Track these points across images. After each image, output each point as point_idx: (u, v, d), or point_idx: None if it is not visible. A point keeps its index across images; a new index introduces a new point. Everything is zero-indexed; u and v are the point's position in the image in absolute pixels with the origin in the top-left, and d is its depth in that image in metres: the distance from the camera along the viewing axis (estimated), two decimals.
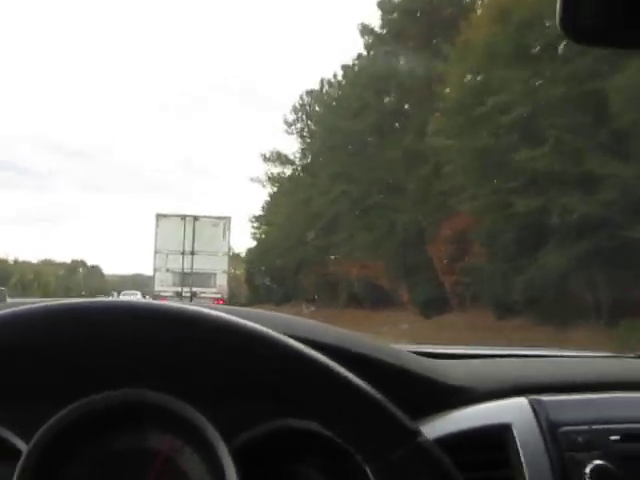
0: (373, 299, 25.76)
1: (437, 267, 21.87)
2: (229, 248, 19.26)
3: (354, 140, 27.49)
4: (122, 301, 0.59)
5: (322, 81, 35.38)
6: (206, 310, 0.58)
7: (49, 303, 0.57)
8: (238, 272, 50.00)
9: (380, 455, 0.57)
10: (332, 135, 29.10)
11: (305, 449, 0.73)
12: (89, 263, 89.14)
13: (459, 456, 0.63)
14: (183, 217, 18.31)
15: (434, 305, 21.62)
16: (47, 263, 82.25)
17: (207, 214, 19.11)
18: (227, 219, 18.70)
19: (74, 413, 0.68)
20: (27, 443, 0.66)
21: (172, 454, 0.71)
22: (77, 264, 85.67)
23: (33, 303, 0.58)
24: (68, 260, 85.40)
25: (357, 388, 0.57)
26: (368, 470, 0.60)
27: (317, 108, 36.41)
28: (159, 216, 18.46)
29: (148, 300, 0.61)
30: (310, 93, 37.11)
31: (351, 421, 0.57)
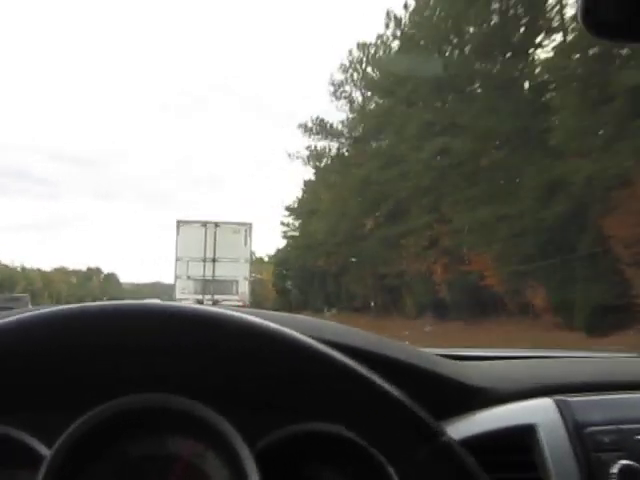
0: (470, 306, 18.22)
1: (619, 254, 13.74)
2: (251, 255, 19.24)
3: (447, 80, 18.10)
4: (145, 303, 0.59)
5: (388, 17, 27.51)
6: (229, 312, 0.58)
7: (71, 307, 0.57)
8: (261, 276, 47.40)
9: (404, 456, 0.57)
10: (406, 81, 20.70)
11: (328, 452, 0.73)
12: (105, 271, 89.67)
13: (485, 457, 0.64)
14: (204, 224, 18.32)
15: (608, 316, 13.43)
16: (60, 271, 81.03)
17: (228, 220, 19.18)
18: (248, 225, 18.72)
19: (96, 418, 0.68)
20: (49, 449, 0.67)
21: (194, 459, 0.71)
22: (92, 272, 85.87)
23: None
24: (83, 268, 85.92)
25: (380, 389, 0.57)
26: (392, 471, 0.60)
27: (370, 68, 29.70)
28: (180, 223, 18.48)
29: (171, 303, 0.61)
30: (364, 46, 30.41)
31: (374, 422, 0.58)
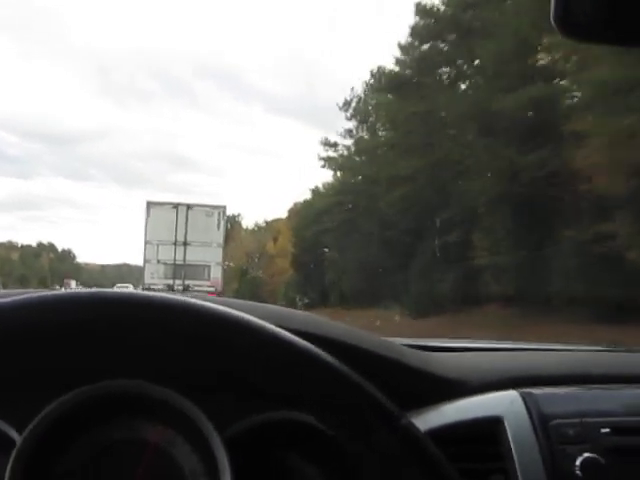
0: None
1: None
2: (224, 239, 19.08)
3: None
4: (115, 291, 0.61)
5: None
6: (197, 301, 0.60)
7: (42, 293, 0.59)
8: (273, 248, 43.87)
9: (364, 439, 0.60)
10: None
11: (297, 439, 0.75)
12: (60, 248, 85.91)
13: (451, 448, 0.67)
14: (175, 205, 18.08)
15: None
16: (3, 246, 73.95)
17: (201, 202, 18.99)
18: (222, 208, 18.53)
19: (67, 404, 0.70)
20: (20, 433, 0.68)
21: (164, 445, 0.73)
22: (43, 248, 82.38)
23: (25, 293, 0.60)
24: (33, 243, 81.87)
25: (342, 374, 0.60)
26: (352, 454, 0.63)
27: None
28: (150, 204, 18.20)
29: (140, 292, 0.63)
30: None
31: (335, 407, 0.60)
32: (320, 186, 39.46)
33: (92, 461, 0.72)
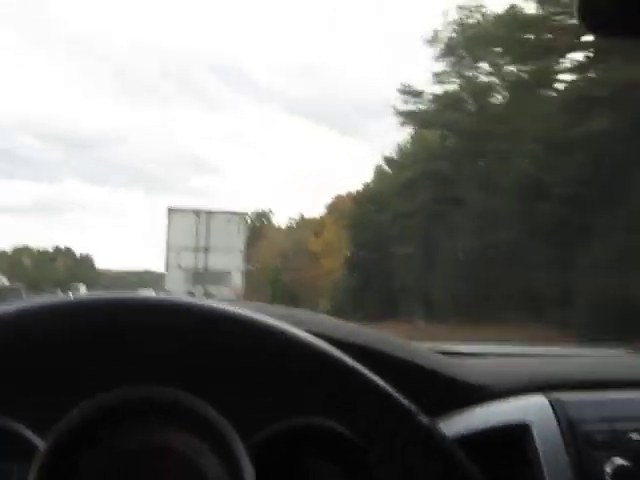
0: None
1: None
2: (245, 245, 19.29)
3: None
4: (139, 295, 0.62)
5: None
6: (223, 305, 0.60)
7: (64, 297, 0.61)
8: (315, 245, 37.82)
9: (385, 442, 0.61)
10: None
11: (321, 445, 0.75)
12: (78, 253, 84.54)
13: (478, 453, 0.66)
14: (197, 212, 18.29)
15: None
16: (20, 251, 71.32)
17: (221, 209, 19.19)
18: (242, 214, 18.77)
19: (91, 409, 0.70)
20: (43, 439, 0.68)
21: (188, 452, 0.73)
22: (58, 253, 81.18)
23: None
24: (49, 248, 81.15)
25: (364, 378, 0.61)
26: (376, 459, 0.63)
27: None
28: (171, 211, 18.42)
29: (166, 295, 0.64)
30: None
31: (358, 411, 0.61)
32: (385, 168, 31.90)
33: (114, 469, 0.72)
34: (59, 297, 0.62)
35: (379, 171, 33.46)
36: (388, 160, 31.85)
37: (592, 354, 1.20)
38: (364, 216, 31.14)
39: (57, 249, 78.99)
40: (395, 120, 23.76)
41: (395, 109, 23.47)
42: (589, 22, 0.64)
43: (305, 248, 41.40)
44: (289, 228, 51.03)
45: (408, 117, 23.77)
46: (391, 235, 26.71)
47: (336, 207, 39.85)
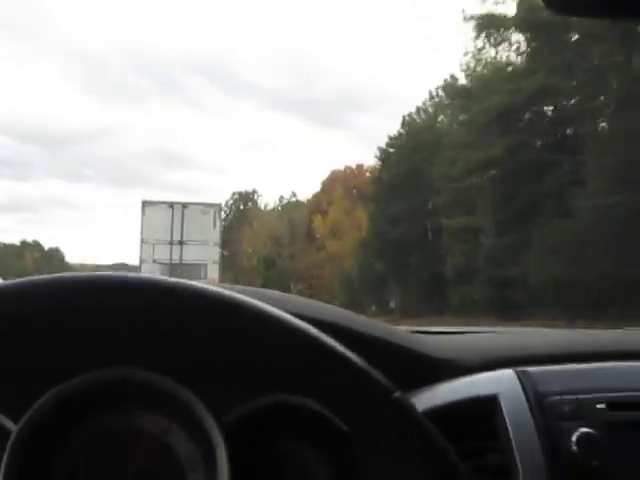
0: None
1: None
2: (220, 237, 19.25)
3: None
4: (109, 273, 0.61)
5: None
6: (194, 283, 0.61)
7: (32, 278, 0.60)
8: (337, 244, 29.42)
9: (358, 414, 0.62)
10: None
11: (294, 423, 0.76)
12: (47, 247, 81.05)
13: (449, 426, 0.68)
14: (171, 204, 18.14)
15: None
16: None
17: (196, 201, 19.05)
18: (217, 206, 18.68)
19: (62, 393, 0.70)
20: (16, 423, 0.69)
21: (160, 433, 0.73)
22: (26, 247, 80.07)
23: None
24: (16, 242, 79.52)
25: (339, 356, 0.61)
26: (347, 431, 0.64)
27: None
28: (145, 203, 18.25)
29: (136, 274, 0.63)
30: None
31: (330, 384, 0.62)
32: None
33: (86, 451, 0.72)
34: (28, 278, 0.61)
35: (410, 122, 28.14)
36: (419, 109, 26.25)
37: (558, 330, 1.23)
38: (396, 180, 24.67)
39: (24, 243, 77.49)
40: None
41: (463, 17, 20.73)
42: (552, 3, 0.64)
43: (302, 231, 36.19)
44: (282, 208, 45.42)
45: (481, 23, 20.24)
46: (439, 204, 21.26)
47: (344, 180, 34.86)
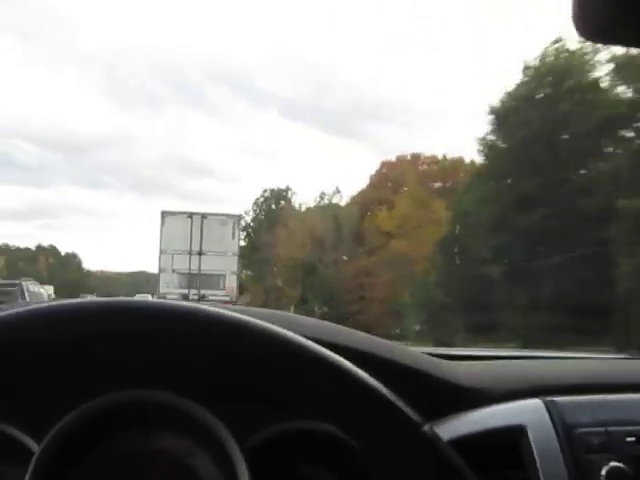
0: None
1: None
2: (239, 248, 19.46)
3: None
4: (135, 300, 0.63)
5: None
6: (220, 310, 0.61)
7: (57, 302, 0.61)
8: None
9: (385, 448, 0.61)
10: None
11: (317, 449, 0.76)
12: (63, 252, 74.59)
13: (474, 457, 0.67)
14: (190, 215, 18.36)
15: None
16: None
17: (215, 211, 19.28)
18: (237, 217, 18.89)
19: (85, 414, 0.70)
20: (39, 443, 0.69)
21: (182, 455, 0.74)
22: (41, 251, 78.55)
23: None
24: (31, 246, 72.07)
25: (365, 385, 0.61)
26: (372, 464, 0.63)
27: None
28: (165, 214, 18.49)
29: (161, 299, 0.65)
30: None
31: (358, 416, 0.61)
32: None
33: (108, 471, 0.73)
34: (56, 301, 0.63)
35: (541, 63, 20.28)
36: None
37: (587, 357, 1.20)
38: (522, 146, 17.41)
39: (40, 247, 75.99)
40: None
41: None
42: (584, 30, 0.62)
43: (350, 231, 29.23)
44: (323, 207, 37.73)
45: None
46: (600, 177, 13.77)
47: (404, 169, 28.41)
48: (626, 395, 0.87)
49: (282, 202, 43.57)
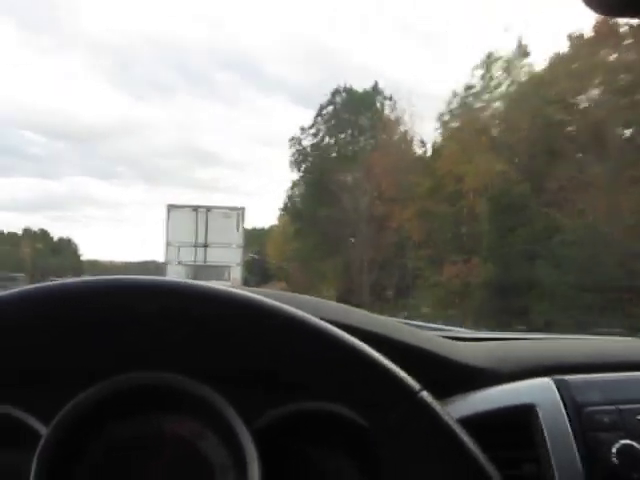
0: None
1: None
2: (243, 240, 20.13)
3: None
4: (143, 278, 0.62)
5: None
6: (224, 288, 0.61)
7: (63, 281, 0.61)
8: None
9: (382, 415, 0.61)
10: None
11: (326, 432, 0.77)
12: (56, 237, 63.07)
13: (484, 436, 0.66)
14: (195, 208, 18.82)
15: None
16: None
17: (220, 204, 19.65)
18: (241, 210, 19.13)
19: (93, 397, 0.71)
20: (46, 426, 0.69)
21: (191, 437, 0.74)
22: (29, 236, 71.98)
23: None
24: (19, 231, 60.73)
25: (368, 359, 0.61)
26: (376, 437, 0.63)
27: None
28: (170, 207, 18.93)
29: (165, 278, 0.64)
30: None
31: (356, 388, 0.62)
32: None
33: (117, 454, 0.73)
34: (62, 280, 0.62)
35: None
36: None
37: (596, 338, 1.20)
38: None
39: (28, 230, 65.44)
40: None
41: None
42: (594, 3, 0.60)
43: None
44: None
45: None
46: None
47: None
48: (637, 373, 0.87)
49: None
